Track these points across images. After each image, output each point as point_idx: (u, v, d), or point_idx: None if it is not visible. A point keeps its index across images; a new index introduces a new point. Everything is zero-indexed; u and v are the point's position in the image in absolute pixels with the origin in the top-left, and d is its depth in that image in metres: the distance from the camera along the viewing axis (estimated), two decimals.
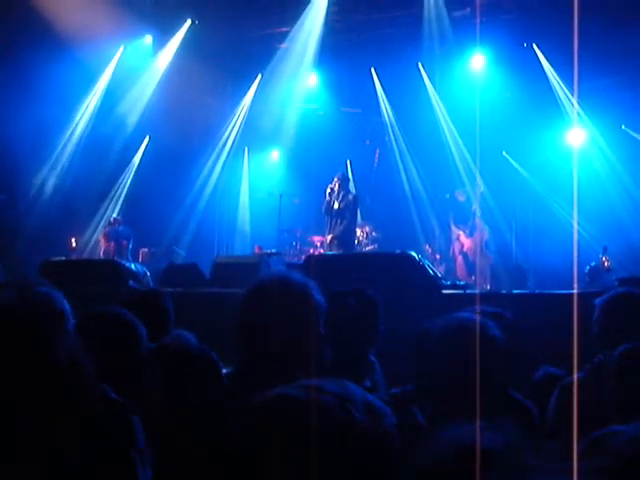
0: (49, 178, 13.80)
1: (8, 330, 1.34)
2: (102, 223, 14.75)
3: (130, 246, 13.81)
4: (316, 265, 7.84)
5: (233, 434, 1.05)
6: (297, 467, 0.99)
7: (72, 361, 1.41)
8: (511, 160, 14.37)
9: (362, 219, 13.62)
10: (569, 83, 13.64)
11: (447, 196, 13.85)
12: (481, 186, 13.48)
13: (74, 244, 13.85)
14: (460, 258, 13.07)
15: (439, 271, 9.83)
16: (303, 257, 11.13)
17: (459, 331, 2.45)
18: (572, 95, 13.63)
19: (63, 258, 10.76)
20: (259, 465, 1.00)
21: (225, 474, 1.02)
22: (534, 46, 13.83)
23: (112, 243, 13.69)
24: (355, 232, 12.42)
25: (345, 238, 11.58)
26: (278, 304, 2.02)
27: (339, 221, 11.59)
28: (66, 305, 3.29)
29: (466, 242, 13.07)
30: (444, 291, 7.24)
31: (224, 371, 2.49)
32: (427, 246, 13.93)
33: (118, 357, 2.75)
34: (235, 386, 2.07)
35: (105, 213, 15.10)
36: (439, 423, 1.94)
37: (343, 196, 11.66)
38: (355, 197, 11.99)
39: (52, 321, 1.44)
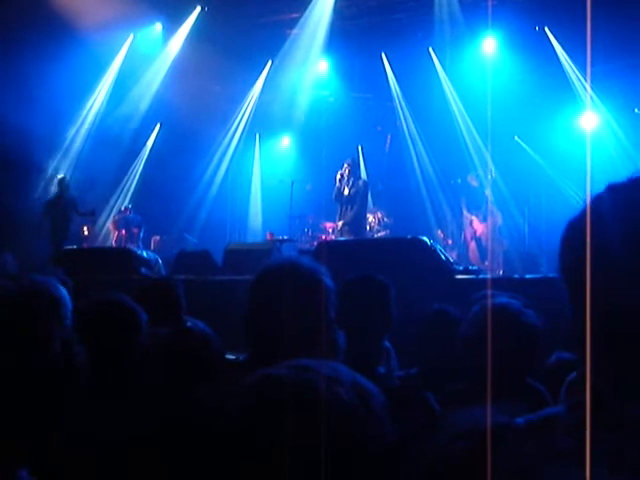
0: (60, 167, 13.84)
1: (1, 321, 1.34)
2: (114, 211, 14.82)
3: (142, 234, 13.86)
4: (327, 251, 7.84)
5: (221, 417, 1.05)
6: (282, 448, 0.98)
7: (66, 353, 1.41)
8: (523, 144, 14.28)
9: (374, 205, 13.59)
10: (581, 66, 13.52)
11: (459, 181, 13.78)
12: (493, 171, 13.41)
13: (86, 232, 13.91)
14: (473, 243, 13.02)
15: (451, 256, 9.81)
16: (315, 243, 11.14)
17: (496, 315, 2.44)
18: (585, 78, 13.51)
19: (75, 247, 10.82)
20: (245, 447, 1.00)
21: (213, 457, 1.02)
22: (546, 29, 13.72)
23: (123, 231, 13.73)
24: (366, 218, 12.39)
25: (356, 224, 11.56)
26: (288, 289, 2.01)
27: (349, 207, 11.57)
28: (62, 293, 3.30)
29: (479, 227, 13.01)
30: (456, 276, 7.22)
31: (233, 357, 2.49)
32: (439, 231, 13.89)
33: (117, 343, 2.77)
34: (246, 373, 2.06)
35: (117, 201, 15.17)
36: (451, 407, 1.94)
37: (353, 182, 11.63)
38: (365, 183, 11.96)
39: (46, 310, 1.43)
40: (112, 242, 13.87)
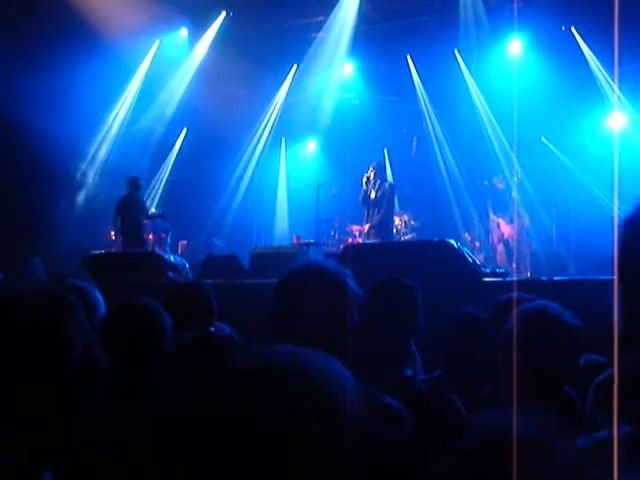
0: (88, 173, 13.97)
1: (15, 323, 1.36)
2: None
3: (169, 239, 13.93)
4: (354, 254, 7.83)
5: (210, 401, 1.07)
6: (263, 433, 1.00)
7: (87, 356, 1.43)
8: (550, 146, 14.17)
9: (400, 208, 13.55)
10: (609, 66, 13.38)
11: (485, 183, 13.71)
12: (519, 173, 13.33)
13: (114, 237, 14.02)
14: (500, 246, 12.94)
15: (479, 259, 9.76)
16: (341, 247, 11.14)
17: (538, 316, 2.42)
18: (612, 78, 13.38)
19: (103, 251, 10.91)
20: (230, 431, 1.01)
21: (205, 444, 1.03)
22: (572, 29, 13.61)
23: (150, 235, 13.82)
24: (393, 221, 12.37)
25: (382, 227, 11.54)
26: (312, 293, 2.02)
27: (376, 210, 11.55)
28: (95, 296, 3.34)
29: (507, 229, 12.93)
30: (484, 279, 7.18)
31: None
32: (466, 234, 13.82)
33: (140, 347, 2.79)
34: None
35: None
36: (478, 412, 1.94)
37: (379, 185, 11.61)
38: (391, 185, 11.93)
39: (66, 313, 1.45)
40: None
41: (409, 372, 3.06)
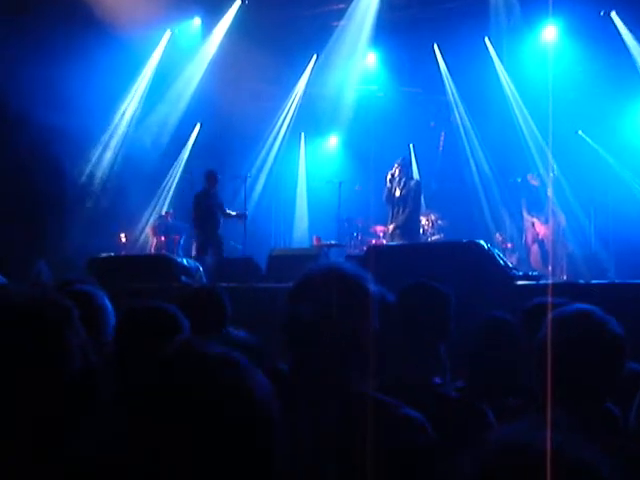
0: (96, 172, 14.03)
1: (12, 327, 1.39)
2: (153, 217, 14.96)
3: (182, 241, 13.96)
4: (377, 256, 7.83)
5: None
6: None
7: (84, 363, 1.46)
8: (588, 140, 14.05)
9: (427, 207, 13.53)
10: None
11: (518, 180, 13.64)
12: (555, 169, 13.26)
13: (124, 239, 14.09)
14: (535, 247, 12.89)
15: (511, 261, 9.73)
16: (364, 248, 11.13)
17: (578, 322, 2.37)
18: None
19: (112, 254, 10.97)
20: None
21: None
22: (612, 14, 13.49)
23: (162, 237, 13.87)
24: (419, 220, 12.34)
25: (408, 227, 11.51)
26: (329, 297, 2.01)
27: (401, 209, 11.52)
28: (101, 302, 3.36)
29: (542, 229, 12.88)
30: (516, 282, 7.15)
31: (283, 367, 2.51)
32: (498, 234, 13.78)
33: (158, 349, 2.80)
34: (288, 385, 2.08)
35: (156, 206, 15.31)
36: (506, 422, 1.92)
37: (404, 182, 11.58)
38: (417, 183, 11.90)
39: (60, 319, 1.48)
40: (151, 249, 14.01)
41: (438, 380, 3.05)
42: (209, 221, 11.67)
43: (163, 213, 14.66)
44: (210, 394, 1.09)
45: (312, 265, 2.20)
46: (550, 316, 2.39)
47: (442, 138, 15.69)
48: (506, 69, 14.76)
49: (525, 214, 13.13)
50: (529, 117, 14.51)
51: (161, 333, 2.84)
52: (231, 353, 1.19)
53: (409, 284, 3.31)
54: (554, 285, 7.59)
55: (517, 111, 14.76)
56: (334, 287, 2.01)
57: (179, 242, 13.95)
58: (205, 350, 1.16)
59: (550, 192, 12.87)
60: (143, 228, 14.90)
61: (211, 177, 11.86)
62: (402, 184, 11.56)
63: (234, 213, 12.24)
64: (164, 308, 2.98)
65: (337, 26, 15.07)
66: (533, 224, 12.95)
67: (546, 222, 12.85)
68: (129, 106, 14.66)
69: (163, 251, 13.23)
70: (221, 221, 11.96)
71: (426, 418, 2.04)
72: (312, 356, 2.02)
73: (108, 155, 14.25)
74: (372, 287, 2.11)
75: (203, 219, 11.64)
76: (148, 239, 14.50)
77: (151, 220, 14.86)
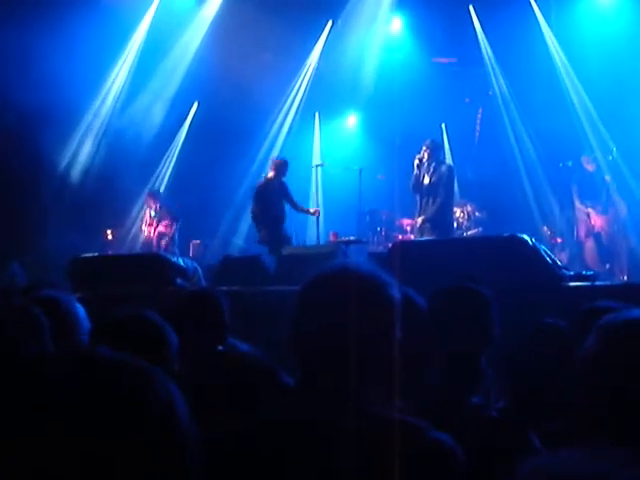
0: (78, 158, 14.06)
1: None
2: (143, 209, 14.93)
3: (176, 233, 13.91)
4: (404, 254, 7.79)
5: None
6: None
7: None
8: None
9: (461, 196, 13.49)
10: None
11: (570, 164, 13.57)
12: (614, 151, 13.19)
13: (110, 236, 14.13)
14: (590, 241, 12.82)
15: (560, 259, 9.67)
16: (389, 245, 11.11)
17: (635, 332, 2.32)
18: None
19: (97, 254, 11.00)
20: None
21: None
22: None
23: (154, 229, 13.85)
24: (452, 212, 12.29)
25: (439, 220, 11.47)
26: (341, 304, 1.98)
27: (431, 200, 11.49)
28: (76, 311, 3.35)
29: (598, 221, 12.81)
30: (566, 283, 7.11)
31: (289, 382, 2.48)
32: (545, 228, 13.76)
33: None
34: (298, 403, 2.06)
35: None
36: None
37: (435, 168, 11.53)
38: (450, 168, 11.84)
39: (23, 330, 1.49)
40: (143, 233, 13.99)
41: (476, 400, 3.01)
42: (272, 215, 11.94)
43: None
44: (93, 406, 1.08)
45: (324, 265, 2.18)
46: (601, 323, 2.34)
47: (479, 116, 15.64)
48: (555, 34, 14.69)
49: (578, 204, 13.05)
50: (582, 90, 14.44)
51: (139, 347, 2.81)
52: (132, 358, 1.19)
53: (444, 286, 3.27)
54: (612, 287, 7.54)
55: (568, 83, 14.69)
56: (348, 292, 1.98)
57: (173, 236, 13.95)
58: (96, 354, 1.17)
59: (608, 178, 12.81)
60: (133, 223, 14.92)
61: (279, 166, 12.10)
62: (432, 170, 11.51)
63: (306, 208, 12.67)
64: (145, 317, 2.94)
65: None
66: (588, 215, 12.89)
67: (603, 213, 12.78)
68: (116, 81, 14.69)
69: (158, 244, 13.28)
70: (284, 215, 12.22)
71: (460, 443, 2.02)
72: (324, 372, 2.00)
73: (92, 138, 14.28)
74: (395, 291, 2.08)
75: (265, 212, 11.88)
76: (139, 233, 14.46)
77: (142, 215, 14.82)
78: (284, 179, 12.13)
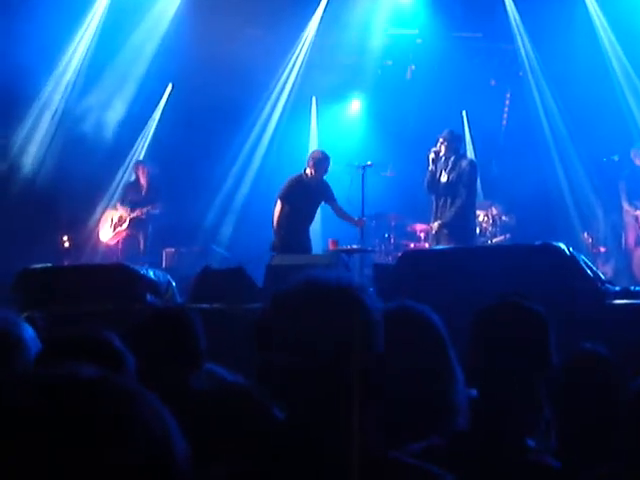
0: (28, 149, 14.05)
1: None
2: (105, 215, 14.91)
3: (147, 245, 13.95)
4: (416, 265, 7.80)
5: None
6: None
7: None
8: None
9: (486, 197, 13.51)
10: None
11: (615, 159, 13.63)
12: None
13: (67, 244, 14.12)
14: (639, 251, 12.91)
15: (604, 271, 9.69)
16: (399, 254, 11.11)
17: None
18: None
19: (49, 265, 10.98)
20: None
21: None
22: None
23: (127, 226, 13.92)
24: (474, 216, 12.30)
25: (459, 225, 11.49)
26: (307, 330, 1.95)
27: (449, 201, 11.51)
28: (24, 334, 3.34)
29: None
30: (610, 300, 7.12)
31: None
32: (585, 234, 13.80)
33: None
34: (286, 438, 2.05)
35: (110, 201, 15.28)
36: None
37: (453, 163, 11.56)
38: (472, 164, 11.86)
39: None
40: (109, 228, 14.03)
41: (530, 443, 2.97)
42: (305, 210, 12.21)
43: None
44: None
45: (283, 285, 2.13)
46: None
47: (507, 102, 15.67)
48: (600, 5, 14.70)
49: (626, 206, 13.12)
50: (633, 73, 14.46)
51: None
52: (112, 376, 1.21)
53: (491, 303, 3.24)
54: None
55: (616, 65, 14.73)
56: (314, 313, 1.96)
57: (145, 241, 14.01)
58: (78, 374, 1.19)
59: None
60: (94, 228, 14.89)
61: (318, 162, 12.17)
62: (450, 166, 11.54)
63: (352, 216, 12.69)
64: (99, 338, 2.93)
65: None
66: (637, 219, 12.94)
67: None
68: (73, 59, 14.65)
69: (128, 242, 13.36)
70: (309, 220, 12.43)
71: None
72: (306, 409, 1.98)
73: (44, 125, 14.26)
74: (372, 301, 2.05)
75: (292, 216, 12.06)
76: (106, 227, 14.49)
77: (103, 219, 14.81)
78: (325, 177, 12.17)
